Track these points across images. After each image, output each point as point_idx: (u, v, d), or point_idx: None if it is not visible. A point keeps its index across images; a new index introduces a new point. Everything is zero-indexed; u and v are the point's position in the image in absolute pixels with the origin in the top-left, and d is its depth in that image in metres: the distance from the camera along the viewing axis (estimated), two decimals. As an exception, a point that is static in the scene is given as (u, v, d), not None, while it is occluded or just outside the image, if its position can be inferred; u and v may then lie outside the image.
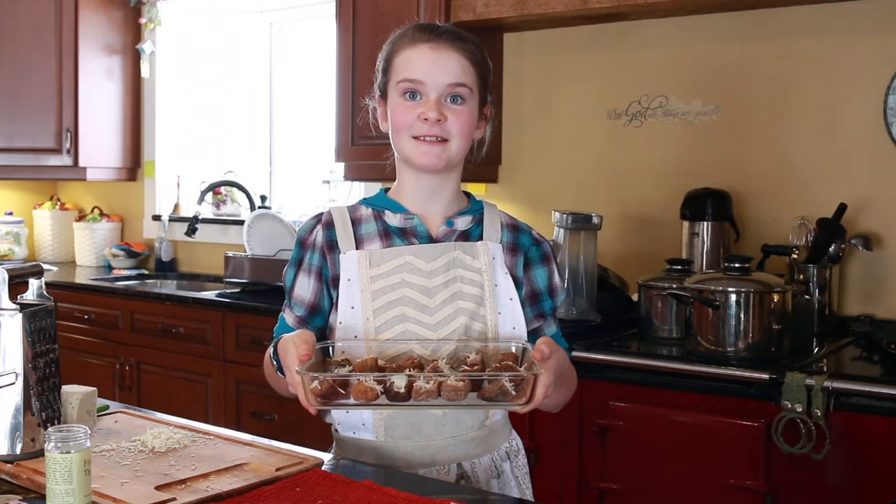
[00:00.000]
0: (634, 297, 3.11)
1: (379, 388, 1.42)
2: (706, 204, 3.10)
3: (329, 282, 1.72)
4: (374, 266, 1.68)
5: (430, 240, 1.72)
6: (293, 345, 1.49)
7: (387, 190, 1.79)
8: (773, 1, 3.06)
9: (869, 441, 2.33)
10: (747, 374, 2.47)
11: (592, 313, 3.06)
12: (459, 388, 1.41)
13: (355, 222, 1.74)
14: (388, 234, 1.72)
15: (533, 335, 1.73)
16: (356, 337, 1.64)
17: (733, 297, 2.60)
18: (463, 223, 1.74)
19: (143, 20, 4.84)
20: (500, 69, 3.74)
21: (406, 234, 1.72)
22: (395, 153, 1.75)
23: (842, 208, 2.88)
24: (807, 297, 2.90)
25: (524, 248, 1.76)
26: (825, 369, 2.48)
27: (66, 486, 1.33)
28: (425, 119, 1.65)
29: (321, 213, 1.77)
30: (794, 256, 2.97)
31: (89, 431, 1.38)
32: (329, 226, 1.73)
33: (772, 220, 3.15)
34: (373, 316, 1.65)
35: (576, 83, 3.58)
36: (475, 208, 1.78)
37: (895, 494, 2.27)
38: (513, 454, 1.78)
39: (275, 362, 1.63)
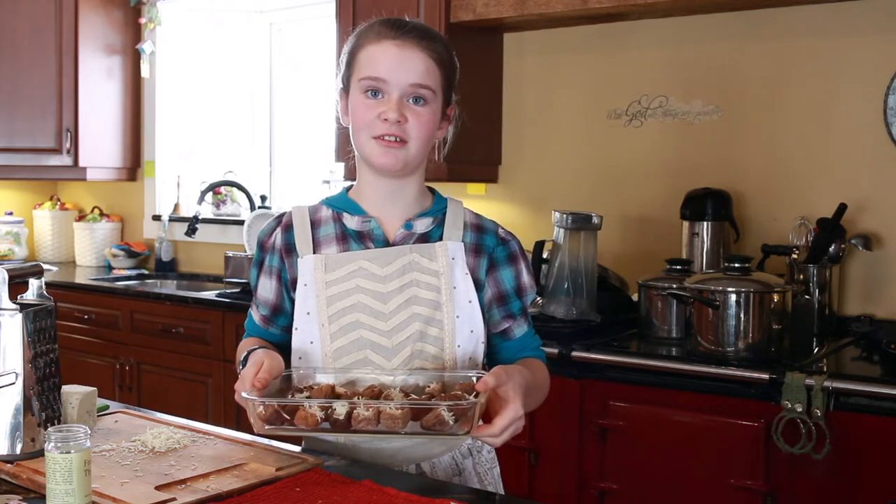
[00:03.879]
0: (634, 297, 3.11)
1: (321, 414, 1.40)
2: (706, 204, 3.10)
3: (288, 284, 1.72)
4: (330, 271, 1.66)
5: (387, 244, 1.69)
6: (253, 368, 1.50)
7: (349, 189, 1.76)
8: (773, 1, 3.06)
9: (869, 441, 2.33)
10: (747, 374, 2.47)
11: (592, 313, 3.06)
12: (397, 416, 1.39)
13: (315, 224, 1.72)
14: (346, 238, 1.70)
15: (502, 336, 1.74)
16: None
17: (733, 297, 2.60)
18: (422, 225, 1.71)
19: (143, 20, 4.84)
20: (500, 69, 3.75)
21: (362, 238, 1.70)
22: (355, 151, 1.72)
23: (842, 208, 2.88)
24: (807, 297, 2.90)
25: (488, 249, 1.73)
26: (825, 369, 2.48)
27: (66, 486, 1.33)
28: (385, 119, 1.61)
29: (283, 214, 1.76)
30: (794, 256, 2.97)
31: (89, 431, 1.38)
32: (288, 228, 1.73)
33: (772, 219, 3.15)
34: (328, 322, 1.65)
35: (576, 83, 3.58)
36: (437, 208, 1.74)
37: (895, 494, 2.27)
38: (476, 451, 1.76)
39: (240, 367, 1.61)
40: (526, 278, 1.75)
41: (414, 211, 1.72)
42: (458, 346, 1.66)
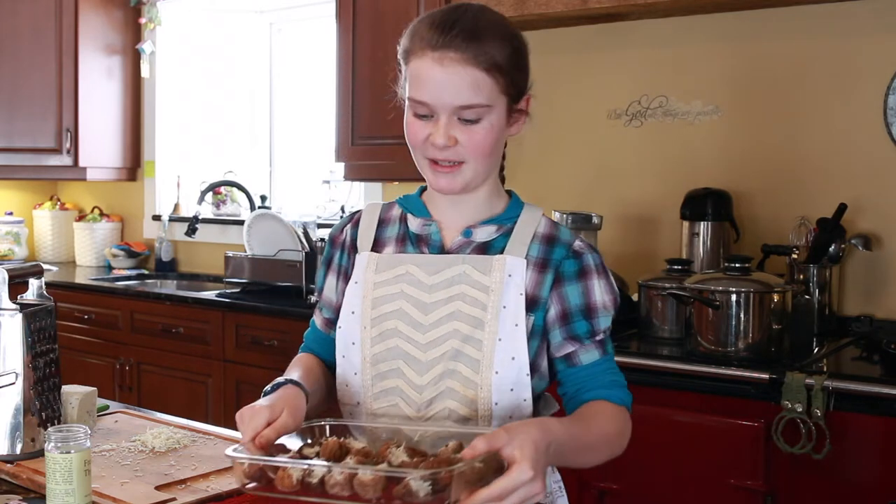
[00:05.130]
0: (634, 297, 3.11)
1: (298, 475, 1.28)
2: (706, 204, 3.10)
3: None
4: (379, 272, 1.57)
5: (442, 250, 1.57)
6: (264, 419, 1.36)
7: (425, 188, 1.63)
8: (772, 1, 3.06)
9: (869, 441, 2.33)
10: (747, 373, 2.47)
11: (592, 313, 3.06)
12: (367, 483, 1.23)
13: (383, 222, 1.63)
14: (404, 240, 1.60)
15: (565, 362, 1.55)
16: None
17: (733, 297, 2.60)
18: (484, 233, 1.57)
19: (143, 20, 4.84)
20: (500, 69, 3.74)
21: (420, 242, 1.59)
22: None
23: (842, 208, 2.88)
24: (807, 297, 2.90)
25: (555, 262, 1.55)
26: (825, 369, 2.48)
27: (66, 486, 1.33)
28: (434, 144, 1.48)
29: (357, 212, 1.68)
30: (794, 256, 2.97)
31: (89, 431, 1.38)
32: (357, 225, 1.65)
33: (772, 219, 3.15)
34: (370, 324, 1.55)
35: (576, 83, 3.58)
36: (507, 216, 1.59)
37: (895, 494, 2.27)
38: None
39: (263, 395, 1.48)
40: (599, 297, 1.55)
41: (479, 217, 1.58)
42: (497, 372, 1.49)
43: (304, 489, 1.26)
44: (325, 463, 1.27)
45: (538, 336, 1.54)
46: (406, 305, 1.54)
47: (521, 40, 1.58)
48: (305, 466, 1.26)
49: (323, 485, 1.25)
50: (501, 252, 1.54)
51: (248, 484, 1.31)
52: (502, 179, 1.66)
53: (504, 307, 1.50)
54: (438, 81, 1.46)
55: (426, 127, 1.49)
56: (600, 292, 1.55)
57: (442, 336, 1.52)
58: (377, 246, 1.61)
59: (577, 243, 1.57)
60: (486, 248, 1.56)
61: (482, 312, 1.51)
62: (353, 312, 1.57)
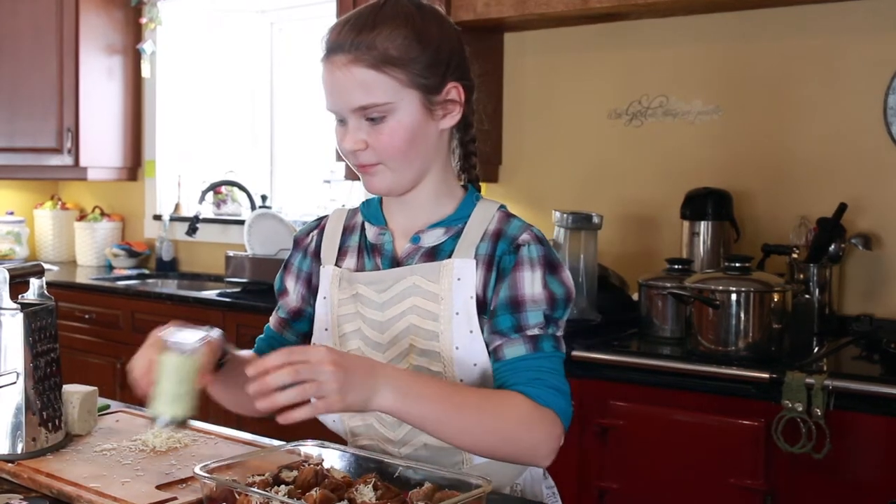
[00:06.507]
0: (635, 297, 3.11)
1: (255, 503, 1.26)
2: (706, 203, 3.10)
3: (316, 290, 1.59)
4: (342, 289, 1.53)
5: (394, 260, 1.51)
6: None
7: None
8: (774, 1, 3.06)
9: (869, 440, 2.33)
10: (747, 373, 2.47)
11: (593, 313, 3.06)
12: None
13: (346, 230, 1.59)
14: (362, 251, 1.55)
15: (493, 355, 1.44)
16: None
17: (733, 297, 2.60)
18: (432, 238, 1.50)
19: (143, 20, 4.84)
20: (501, 69, 3.75)
21: (374, 253, 1.54)
22: None
23: (842, 208, 2.88)
24: (807, 296, 2.91)
25: (497, 258, 1.46)
26: (825, 369, 2.48)
27: (178, 389, 1.38)
28: (344, 149, 1.45)
29: (324, 217, 1.64)
30: (795, 256, 2.97)
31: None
32: (322, 231, 1.62)
33: (772, 219, 3.15)
34: (340, 343, 1.52)
35: (576, 83, 3.58)
36: (457, 216, 1.51)
37: (895, 494, 2.28)
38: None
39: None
40: (528, 290, 1.43)
41: (427, 220, 1.51)
42: (461, 380, 1.44)
43: None
44: (279, 497, 1.26)
45: None
46: (363, 326, 1.51)
47: (429, 27, 1.44)
48: (260, 496, 1.25)
49: None
50: (450, 256, 1.47)
51: None
52: (477, 179, 1.58)
53: (456, 314, 1.44)
54: (331, 87, 1.43)
55: (343, 134, 1.45)
56: (531, 284, 1.43)
57: (401, 353, 1.48)
58: (341, 255, 1.57)
59: (523, 236, 1.46)
60: (435, 254, 1.49)
61: (435, 324, 1.45)
62: (326, 329, 1.56)
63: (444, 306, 1.44)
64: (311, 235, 1.64)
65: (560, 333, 1.47)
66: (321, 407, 1.25)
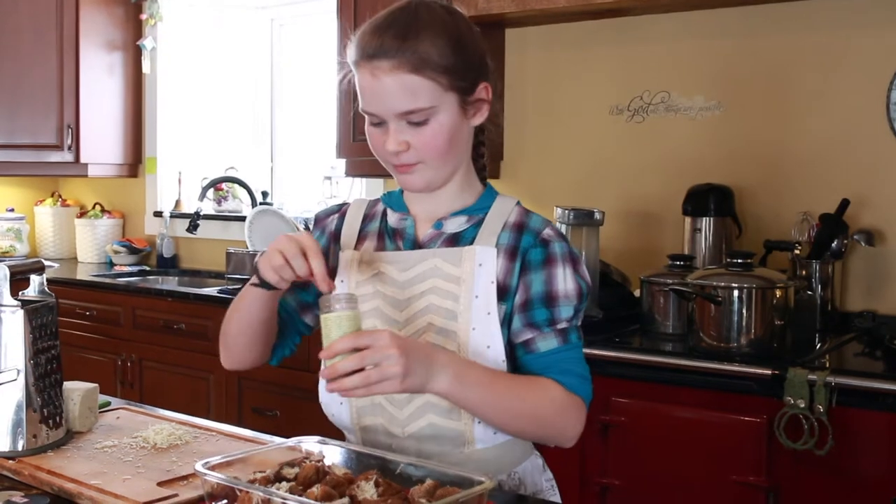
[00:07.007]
0: (636, 293, 3.11)
1: (256, 500, 1.27)
2: (708, 199, 3.09)
3: (330, 271, 1.60)
4: (361, 271, 1.60)
5: (416, 244, 1.60)
6: (318, 261, 1.43)
7: None
8: (775, -4, 3.06)
9: (871, 437, 2.32)
10: (750, 369, 2.47)
11: (594, 309, 3.06)
12: None
13: (367, 218, 1.67)
14: (383, 235, 1.63)
15: (523, 348, 1.54)
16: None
17: (736, 293, 2.60)
18: (454, 225, 1.59)
19: (144, 16, 4.83)
20: (502, 65, 3.74)
21: (396, 236, 1.62)
22: None
23: (844, 204, 2.87)
24: (809, 292, 2.90)
25: (523, 250, 1.55)
26: (828, 365, 2.47)
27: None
28: (387, 150, 1.52)
29: (345, 204, 1.72)
30: (797, 252, 2.96)
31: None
32: (343, 216, 1.69)
33: (774, 215, 3.14)
34: None
35: (578, 79, 3.57)
36: (479, 207, 1.60)
37: (898, 490, 2.27)
38: (509, 490, 1.59)
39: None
40: (561, 286, 1.53)
41: (449, 208, 1.60)
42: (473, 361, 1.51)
43: None
44: (281, 493, 1.26)
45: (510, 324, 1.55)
46: (382, 304, 1.57)
47: (464, 33, 1.54)
48: (261, 493, 1.26)
49: None
50: (471, 243, 1.56)
51: (214, 502, 1.32)
52: (483, 168, 1.67)
53: (476, 297, 1.52)
54: (375, 92, 1.49)
55: (381, 134, 1.52)
56: (564, 280, 1.53)
57: (418, 331, 1.54)
58: (360, 241, 1.64)
59: (547, 231, 1.56)
60: (456, 240, 1.58)
61: (454, 304, 1.52)
62: None
63: (465, 289, 1.52)
64: (332, 217, 1.71)
65: (580, 323, 1.58)
66: (383, 388, 1.35)
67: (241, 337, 1.63)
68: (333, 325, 1.38)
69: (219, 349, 1.69)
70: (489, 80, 1.58)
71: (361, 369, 1.33)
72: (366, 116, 1.54)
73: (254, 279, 1.52)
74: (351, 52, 1.53)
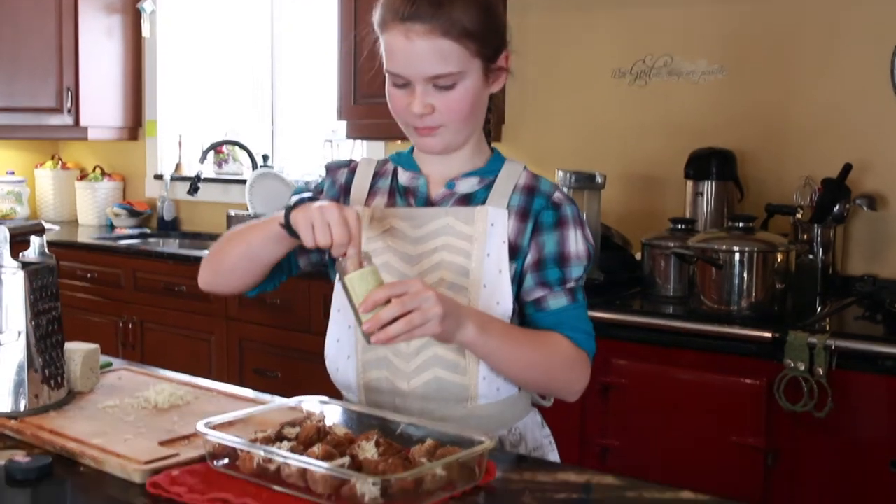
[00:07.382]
0: (638, 256, 3.11)
1: (257, 460, 1.28)
2: (710, 163, 3.08)
3: None
4: (372, 227, 1.61)
5: (428, 202, 1.62)
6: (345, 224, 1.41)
7: None
8: (780, -43, 3.03)
9: (870, 400, 2.34)
10: (750, 332, 2.47)
11: (596, 272, 3.05)
12: (317, 479, 1.23)
13: (377, 175, 1.68)
14: (394, 193, 1.65)
15: (534, 306, 1.58)
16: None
17: (737, 256, 2.60)
18: (466, 185, 1.61)
19: (143, -23, 4.79)
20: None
21: (407, 194, 1.64)
22: None
23: (847, 168, 2.86)
24: (810, 256, 2.90)
25: (535, 212, 1.59)
26: (828, 328, 2.48)
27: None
28: (412, 112, 1.54)
29: (353, 160, 1.73)
30: (799, 216, 2.96)
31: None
32: (353, 172, 1.70)
33: (776, 179, 3.13)
34: None
35: (580, 42, 3.55)
36: (489, 169, 1.63)
37: (896, 452, 2.29)
38: (510, 445, 1.62)
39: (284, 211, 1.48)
40: (573, 247, 1.58)
41: (462, 170, 1.62)
42: None
43: (262, 475, 1.29)
44: (282, 452, 1.27)
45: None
46: (392, 259, 1.59)
47: (492, 0, 1.57)
48: (262, 453, 1.27)
49: (279, 473, 1.27)
50: (483, 203, 1.59)
51: (214, 463, 1.33)
52: (488, 133, 1.70)
53: (488, 255, 1.55)
54: (407, 54, 1.50)
55: (405, 96, 1.54)
56: (575, 242, 1.58)
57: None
58: (370, 196, 1.66)
59: (557, 194, 1.61)
60: (468, 200, 1.61)
61: (466, 261, 1.56)
62: None
63: (477, 246, 1.56)
64: (342, 171, 1.71)
65: (583, 283, 1.63)
66: (425, 330, 1.38)
67: (239, 268, 1.67)
68: (358, 282, 1.39)
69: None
70: (509, 49, 1.62)
71: (401, 316, 1.36)
72: (388, 77, 1.55)
73: (282, 220, 1.49)
74: (381, 13, 1.53)
